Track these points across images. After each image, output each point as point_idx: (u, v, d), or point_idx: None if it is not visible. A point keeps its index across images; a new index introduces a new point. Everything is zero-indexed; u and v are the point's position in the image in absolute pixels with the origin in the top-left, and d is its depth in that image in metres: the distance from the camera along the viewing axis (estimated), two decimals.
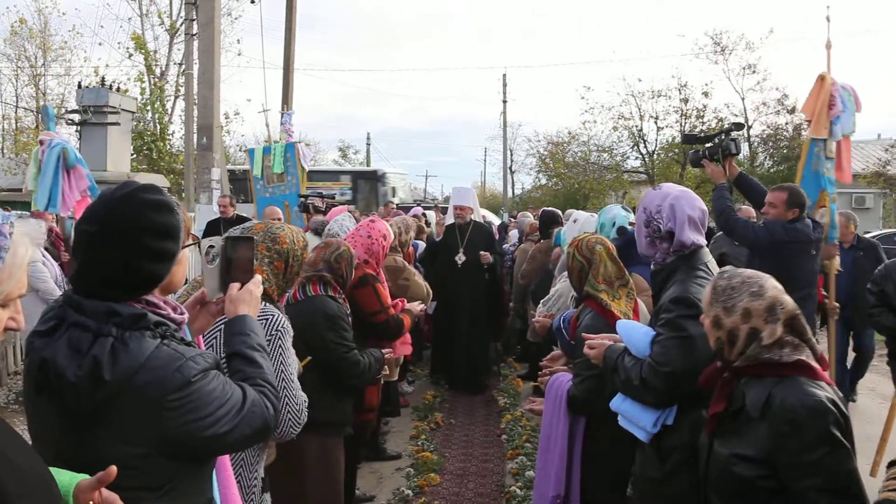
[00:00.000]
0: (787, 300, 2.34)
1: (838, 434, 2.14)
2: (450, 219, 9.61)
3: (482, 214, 12.64)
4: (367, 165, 50.18)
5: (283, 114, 10.43)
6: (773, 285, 2.36)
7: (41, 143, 6.97)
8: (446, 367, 9.12)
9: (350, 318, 4.11)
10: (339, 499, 4.04)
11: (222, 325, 2.61)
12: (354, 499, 5.16)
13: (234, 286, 2.20)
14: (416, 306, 5.07)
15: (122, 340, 1.77)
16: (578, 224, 5.21)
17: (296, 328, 3.53)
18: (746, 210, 7.54)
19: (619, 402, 2.95)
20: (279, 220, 7.07)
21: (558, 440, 3.52)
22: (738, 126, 5.63)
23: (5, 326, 1.48)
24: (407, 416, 7.59)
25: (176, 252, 1.94)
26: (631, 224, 4.68)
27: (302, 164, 9.50)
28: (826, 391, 2.21)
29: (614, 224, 4.83)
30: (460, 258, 8.81)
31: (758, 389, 2.26)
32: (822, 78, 5.69)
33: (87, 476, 1.58)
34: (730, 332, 2.31)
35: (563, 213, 8.37)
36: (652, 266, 3.30)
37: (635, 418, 2.85)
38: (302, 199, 8.34)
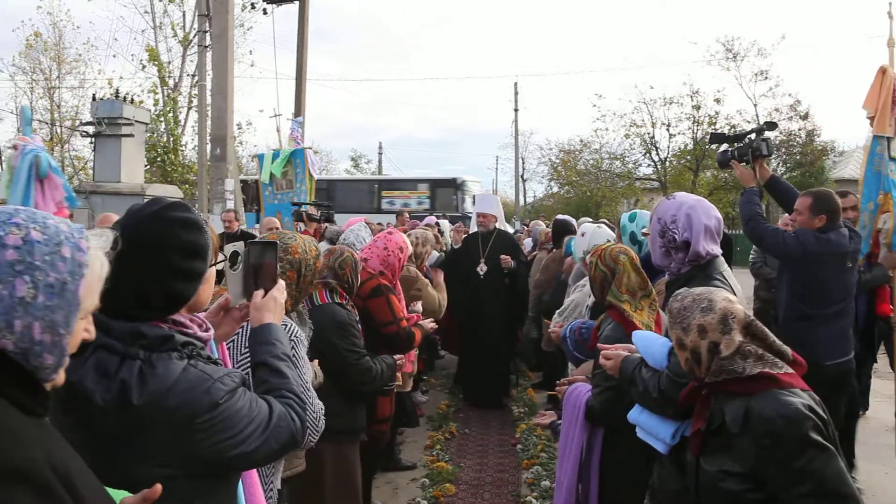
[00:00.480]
0: (738, 309, 2.39)
1: (819, 438, 2.18)
2: (473, 227, 9.24)
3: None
4: (379, 173, 50.35)
5: (291, 121, 10.14)
6: (722, 297, 2.41)
7: (14, 147, 6.77)
8: (466, 380, 8.87)
9: (360, 325, 4.15)
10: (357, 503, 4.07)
11: (240, 329, 2.63)
12: None
13: (258, 294, 2.17)
14: (428, 323, 5.09)
15: (150, 363, 1.76)
16: (587, 237, 5.16)
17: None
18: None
19: (636, 414, 2.94)
20: (277, 228, 7.08)
21: (573, 450, 3.51)
22: (771, 126, 5.32)
23: (82, 338, 1.48)
24: (421, 425, 7.57)
25: (203, 271, 1.93)
26: (645, 234, 4.64)
27: (311, 171, 9.26)
28: (801, 397, 2.25)
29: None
30: (482, 268, 8.40)
31: (735, 405, 2.29)
32: (882, 71, 5.27)
33: (129, 493, 1.59)
34: (692, 350, 2.36)
35: (576, 222, 8.33)
36: (667, 276, 3.29)
37: (654, 430, 2.83)
38: (295, 208, 7.98)
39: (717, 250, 3.06)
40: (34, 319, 1.33)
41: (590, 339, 3.67)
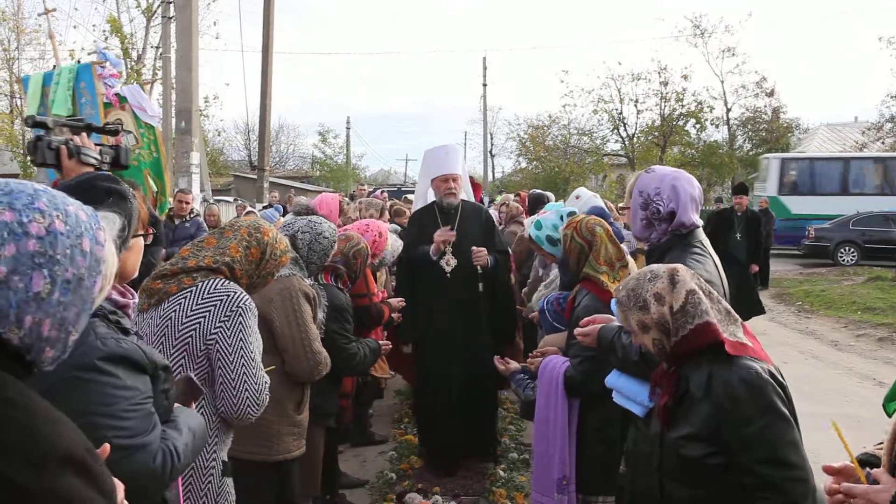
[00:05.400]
0: (678, 265, 2.42)
1: (777, 404, 2.20)
2: (422, 199, 6.33)
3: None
4: (347, 149, 49.89)
5: (98, 51, 6.78)
6: (660, 265, 2.45)
7: None
8: (426, 430, 5.94)
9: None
10: (315, 483, 4.14)
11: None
12: (340, 484, 5.18)
13: None
14: (396, 300, 5.15)
15: None
16: (581, 200, 5.14)
17: None
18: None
19: (614, 379, 2.97)
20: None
21: (558, 422, 3.53)
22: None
23: None
24: (389, 399, 7.61)
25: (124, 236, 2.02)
26: (623, 209, 4.56)
27: (139, 115, 6.26)
28: (762, 363, 2.27)
29: (562, 217, 4.68)
30: (449, 262, 5.54)
31: (699, 372, 2.30)
32: None
33: None
34: (658, 323, 2.33)
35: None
36: (646, 247, 3.32)
37: (632, 393, 2.86)
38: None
39: (699, 221, 3.10)
40: (46, 316, 1.26)
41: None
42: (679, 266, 2.41)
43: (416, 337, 5.73)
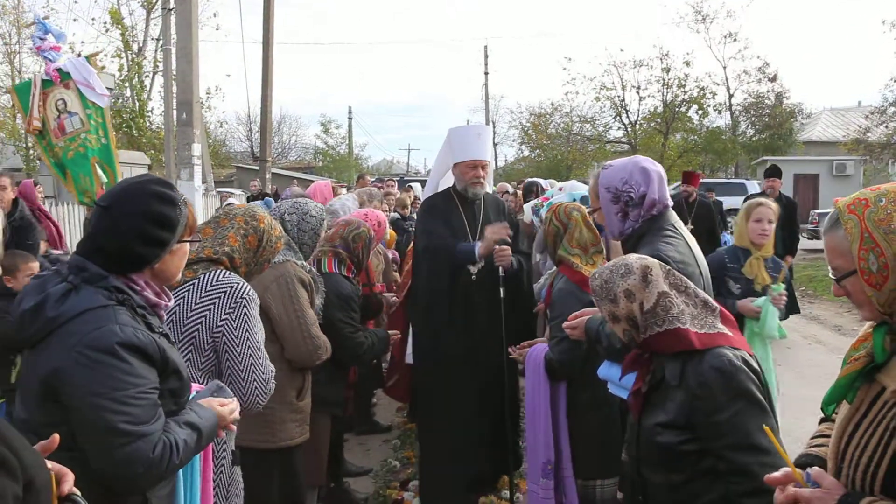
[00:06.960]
0: (653, 262, 2.41)
1: (750, 390, 2.20)
2: (434, 183, 5.42)
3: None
4: (349, 140, 49.78)
5: (36, 21, 6.21)
6: (636, 258, 2.44)
7: None
8: (428, 464, 4.87)
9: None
10: (321, 473, 4.14)
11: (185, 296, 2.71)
12: (344, 472, 5.20)
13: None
14: (392, 297, 5.11)
15: (77, 288, 1.94)
16: (564, 192, 5.16)
17: None
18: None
19: (605, 369, 2.98)
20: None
21: (541, 406, 3.57)
22: None
23: None
24: None
25: (168, 241, 2.09)
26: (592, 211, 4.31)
27: (86, 91, 5.64)
28: (736, 350, 2.27)
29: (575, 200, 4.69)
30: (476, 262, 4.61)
31: (674, 360, 2.30)
32: None
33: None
34: (627, 318, 2.35)
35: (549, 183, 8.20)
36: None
37: (623, 381, 2.87)
38: None
39: (670, 200, 3.10)
40: None
41: None
42: (653, 262, 2.40)
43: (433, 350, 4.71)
